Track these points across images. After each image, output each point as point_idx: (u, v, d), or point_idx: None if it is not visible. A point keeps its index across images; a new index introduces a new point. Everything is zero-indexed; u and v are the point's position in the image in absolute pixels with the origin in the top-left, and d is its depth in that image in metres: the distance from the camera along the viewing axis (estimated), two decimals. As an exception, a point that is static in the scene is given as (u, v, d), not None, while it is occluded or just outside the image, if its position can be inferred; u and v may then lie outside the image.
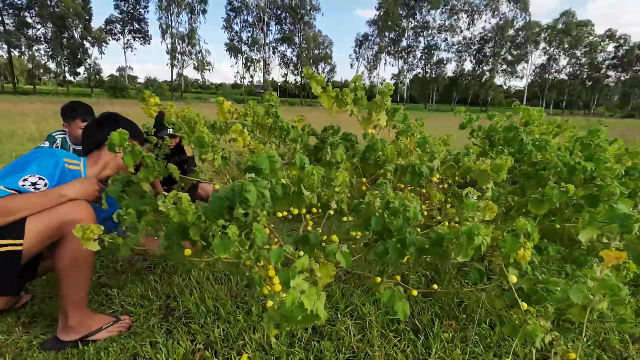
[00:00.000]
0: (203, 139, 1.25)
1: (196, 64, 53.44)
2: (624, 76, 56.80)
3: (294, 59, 58.13)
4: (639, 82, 55.92)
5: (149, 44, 52.32)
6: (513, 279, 1.17)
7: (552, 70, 57.60)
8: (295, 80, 62.54)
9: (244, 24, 55.86)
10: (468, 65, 59.63)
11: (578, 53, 55.43)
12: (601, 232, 1.27)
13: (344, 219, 1.67)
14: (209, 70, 55.80)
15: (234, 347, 1.39)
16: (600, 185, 1.61)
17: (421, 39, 57.87)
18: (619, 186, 1.43)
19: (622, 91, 58.97)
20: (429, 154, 1.64)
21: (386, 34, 57.33)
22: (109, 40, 49.70)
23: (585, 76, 57.29)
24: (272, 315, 0.93)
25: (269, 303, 1.17)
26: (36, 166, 1.34)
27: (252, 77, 61.63)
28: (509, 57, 56.10)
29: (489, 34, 55.30)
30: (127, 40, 51.08)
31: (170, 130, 2.46)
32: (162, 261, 2.07)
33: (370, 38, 59.38)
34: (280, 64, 60.12)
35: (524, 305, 1.15)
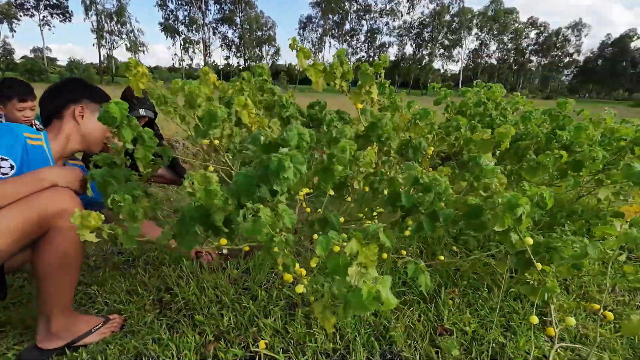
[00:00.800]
0: (215, 113, 1.11)
1: (128, 45, 49.14)
2: (543, 61, 62.60)
3: (236, 40, 55.87)
4: (556, 66, 62.03)
5: (69, 21, 46.97)
6: (529, 241, 1.22)
7: (484, 55, 61.70)
8: (238, 63, 60.30)
9: (180, 2, 52.30)
10: (409, 50, 61.73)
11: (505, 39, 59.85)
12: (617, 190, 1.36)
13: (348, 199, 1.63)
14: (143, 51, 51.78)
15: (248, 334, 1.31)
16: (579, 151, 1.73)
17: (364, 22, 58.59)
18: (601, 150, 1.54)
19: (542, 75, 65.07)
20: (429, 126, 1.65)
21: (330, 16, 57.14)
22: (21, 16, 43.81)
23: (512, 61, 62.20)
24: (326, 305, 0.87)
25: (299, 288, 1.11)
26: None
27: (191, 59, 58.36)
28: (446, 42, 59.00)
29: (427, 19, 57.52)
30: (44, 17, 45.42)
31: (142, 111, 2.20)
32: (143, 253, 1.88)
33: (314, 20, 58.82)
34: (221, 46, 57.51)
35: (539, 266, 1.21)
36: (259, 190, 0.92)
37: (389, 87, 2.11)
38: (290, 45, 1.90)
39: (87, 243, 1.02)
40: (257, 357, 1.21)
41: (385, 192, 1.26)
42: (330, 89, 1.76)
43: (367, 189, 1.37)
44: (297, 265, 1.14)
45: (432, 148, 1.85)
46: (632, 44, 59.23)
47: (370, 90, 1.86)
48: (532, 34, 60.33)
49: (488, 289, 1.69)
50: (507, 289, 1.71)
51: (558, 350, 1.25)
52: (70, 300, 1.25)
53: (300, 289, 1.12)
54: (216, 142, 1.35)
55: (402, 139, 1.72)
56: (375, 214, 1.42)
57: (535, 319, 1.14)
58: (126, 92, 2.18)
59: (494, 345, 1.33)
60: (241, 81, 1.55)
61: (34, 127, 2.53)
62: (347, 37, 59.54)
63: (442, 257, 1.55)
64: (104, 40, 48.22)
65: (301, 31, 59.85)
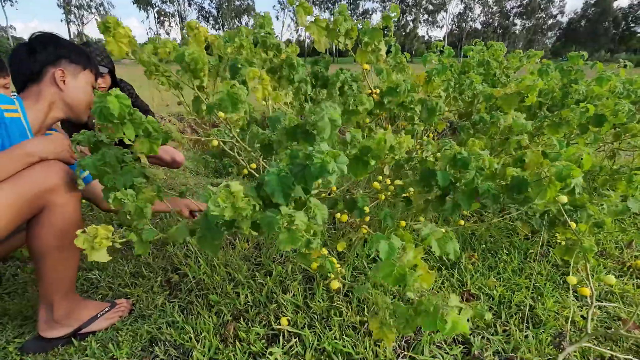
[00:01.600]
0: (237, 96, 0.95)
1: (99, 20, 46.58)
2: (528, 23, 61.99)
3: (214, 11, 53.42)
4: (540, 28, 61.57)
5: (33, -5, 43.97)
6: (563, 199, 1.15)
7: (468, 19, 60.68)
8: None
9: (150, -29, 49.44)
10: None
11: (490, 1, 58.78)
12: None
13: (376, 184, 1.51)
14: (116, 26, 49.16)
15: (268, 311, 1.23)
16: (597, 104, 1.65)
17: (346, -12, 56.54)
18: (627, 103, 1.46)
19: (527, 38, 64.62)
20: (445, 83, 1.53)
21: (310, -18, 54.96)
22: (-22, -9, 40.86)
23: (496, 24, 61.42)
24: (384, 322, 0.78)
25: (335, 285, 1.03)
26: None
27: (167, 33, 55.84)
28: (430, 7, 57.65)
29: (411, -17, 55.85)
30: (4, -10, 42.45)
31: (104, 70, 1.99)
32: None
33: (293, -13, 56.51)
34: (198, 18, 54.98)
35: (573, 225, 1.15)
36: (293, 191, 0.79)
37: (395, 45, 1.96)
38: (289, 0, 1.73)
39: (85, 222, 0.90)
40: (281, 335, 1.14)
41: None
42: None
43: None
44: (335, 263, 1.05)
45: (448, 108, 1.74)
46: (614, 4, 59.00)
47: (379, 47, 1.72)
48: (517, -4, 59.41)
49: (507, 252, 1.65)
50: (527, 250, 1.67)
51: (594, 310, 1.21)
52: (72, 283, 1.15)
53: (335, 285, 1.04)
54: (221, 114, 1.21)
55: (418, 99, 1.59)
56: (406, 194, 1.30)
57: (573, 280, 1.09)
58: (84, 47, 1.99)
59: (522, 307, 1.29)
60: (240, 37, 1.37)
61: None
62: (329, 5, 57.53)
63: (462, 222, 1.48)
64: (73, 15, 45.50)
65: (281, -1, 57.56)
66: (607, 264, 1.59)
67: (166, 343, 1.12)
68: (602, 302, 1.35)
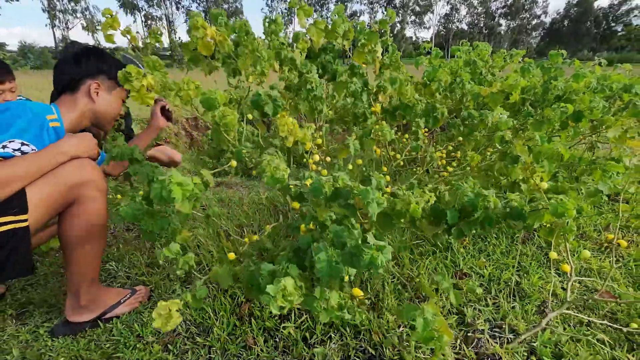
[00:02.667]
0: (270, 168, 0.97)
1: (85, 24, 46.01)
2: (512, 24, 63.13)
3: (202, 14, 53.17)
4: (525, 29, 62.75)
5: (17, 0, 43.22)
6: (544, 185, 1.27)
7: (455, 20, 61.54)
8: (205, 39, 57.61)
9: (137, -25, 49.07)
10: (380, 17, 60.67)
11: (475, 2, 59.72)
12: (624, 130, 1.43)
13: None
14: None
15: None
16: (574, 99, 1.79)
17: (333, -10, 56.94)
18: (601, 100, 1.61)
19: (512, 38, 65.79)
20: (436, 83, 1.65)
21: (298, -15, 55.15)
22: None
23: (482, 25, 62.40)
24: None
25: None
26: (17, 128, 1.04)
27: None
28: (417, 8, 58.33)
29: (397, -15, 56.47)
30: (-14, -4, 41.68)
31: None
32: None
33: (281, -10, 56.67)
34: (186, 22, 54.78)
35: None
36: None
37: (391, 45, 2.08)
38: (290, 3, 1.83)
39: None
40: (293, 312, 1.24)
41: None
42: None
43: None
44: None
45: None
46: (595, 4, 60.47)
47: (375, 49, 1.84)
48: (501, -3, 60.55)
49: (496, 236, 1.78)
50: (513, 234, 1.80)
51: (573, 282, 1.34)
52: (97, 272, 1.24)
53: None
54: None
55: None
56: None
57: (554, 254, 1.22)
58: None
59: (510, 283, 1.42)
60: (260, 60, 1.38)
61: None
62: (317, 7, 57.87)
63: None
64: (58, 20, 44.91)
65: (269, 1, 57.65)
66: (586, 245, 1.74)
67: (187, 322, 1.22)
68: (581, 277, 1.49)
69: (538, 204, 1.06)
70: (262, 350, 1.10)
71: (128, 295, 1.31)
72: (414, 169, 2.04)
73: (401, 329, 1.17)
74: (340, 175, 0.93)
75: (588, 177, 1.58)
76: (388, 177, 1.67)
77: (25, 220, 0.97)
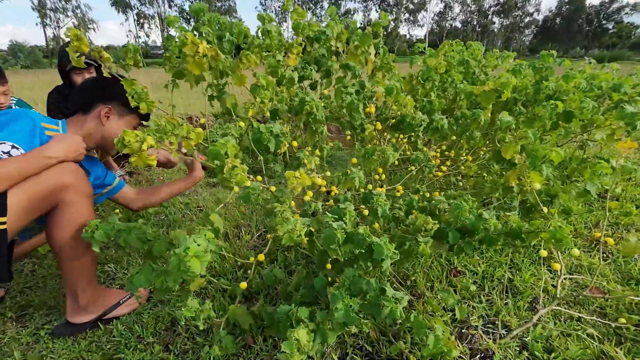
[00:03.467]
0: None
1: (76, 23, 45.49)
2: (505, 21, 63.50)
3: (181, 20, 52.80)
4: (517, 26, 63.15)
5: (7, -2, 42.54)
6: (537, 185, 1.30)
7: (448, 18, 61.75)
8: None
9: (128, -27, 48.59)
10: (374, 16, 60.70)
11: (469, 0, 59.97)
12: (612, 131, 1.47)
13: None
14: (94, 29, 48.16)
15: (278, 292, 1.36)
16: (565, 99, 1.83)
17: (327, -12, 56.87)
18: (591, 101, 1.64)
19: (505, 36, 66.17)
20: (430, 82, 1.68)
21: (291, -17, 54.95)
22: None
23: (475, 22, 62.68)
24: None
25: None
26: (8, 132, 1.05)
27: (147, 36, 54.99)
28: (411, 6, 58.43)
29: (391, -17, 56.51)
30: (-25, -6, 41.01)
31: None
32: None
33: (275, -12, 56.47)
34: (179, 20, 54.32)
35: (545, 209, 1.31)
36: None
37: (382, 47, 2.11)
38: (283, 5, 1.85)
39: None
40: (291, 311, 1.26)
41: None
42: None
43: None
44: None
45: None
46: (587, 2, 61.02)
47: (369, 51, 1.86)
48: (494, -5, 60.88)
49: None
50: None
51: (563, 280, 1.38)
52: (93, 274, 1.24)
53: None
54: None
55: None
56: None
57: (544, 253, 1.25)
58: (62, 46, 2.11)
59: (503, 280, 1.45)
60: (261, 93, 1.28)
61: None
62: (311, 5, 57.74)
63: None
64: (48, 18, 44.36)
65: (263, 0, 57.41)
66: (577, 242, 1.78)
67: (186, 322, 1.24)
68: (572, 274, 1.53)
69: (534, 223, 1.09)
70: (261, 349, 1.12)
71: (128, 296, 1.32)
72: (409, 168, 2.06)
73: (397, 326, 1.20)
74: (349, 210, 0.96)
75: (578, 177, 1.62)
76: (384, 176, 1.70)
77: (4, 223, 0.98)
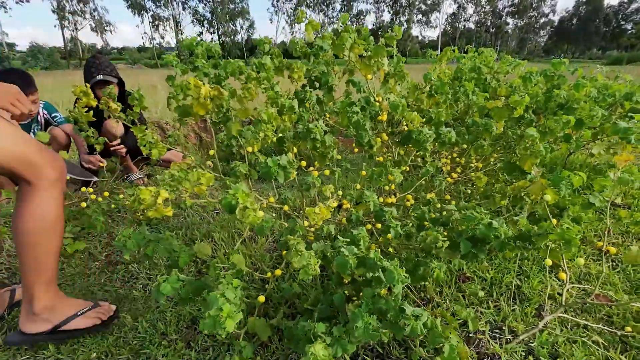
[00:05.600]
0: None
1: (94, 25, 46.51)
2: (520, 22, 62.61)
3: (208, 15, 53.55)
4: (532, 27, 62.21)
5: (27, 1, 43.78)
6: (547, 197, 1.33)
7: (462, 19, 61.17)
8: (212, 39, 58.04)
9: (144, -24, 49.46)
10: (387, 17, 60.55)
11: (482, 1, 59.30)
12: (608, 145, 1.50)
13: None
14: (111, 31, 49.16)
15: (291, 295, 1.42)
16: (576, 108, 1.86)
17: (339, -10, 56.95)
18: (601, 109, 1.67)
19: (519, 37, 65.25)
20: (443, 96, 1.73)
21: (304, -15, 55.25)
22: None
23: (489, 23, 61.95)
24: None
25: None
26: None
27: (162, 37, 55.85)
28: (423, 7, 58.08)
29: (404, -16, 56.29)
30: (-3, -3, 42.29)
31: (100, 77, 2.21)
32: (172, 232, 1.95)
33: (287, -10, 56.82)
34: (193, 22, 55.09)
35: (554, 221, 1.34)
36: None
37: (396, 55, 2.15)
38: (297, 17, 1.92)
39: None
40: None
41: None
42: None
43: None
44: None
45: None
46: (605, 2, 59.77)
47: (382, 62, 1.92)
48: (508, -5, 60.14)
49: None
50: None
51: (569, 289, 1.41)
52: (53, 274, 1.17)
53: None
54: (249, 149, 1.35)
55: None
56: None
57: (549, 262, 1.29)
58: (87, 62, 2.22)
59: (511, 287, 1.49)
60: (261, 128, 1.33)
61: (41, 118, 2.50)
62: (323, 7, 57.87)
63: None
64: (67, 21, 45.47)
65: (275, 2, 57.81)
66: (586, 250, 1.80)
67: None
68: (580, 282, 1.56)
69: (543, 226, 1.14)
70: (277, 348, 1.19)
71: (87, 308, 1.25)
72: (419, 176, 2.11)
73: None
74: (362, 236, 1.04)
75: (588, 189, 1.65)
76: (393, 186, 1.74)
77: None
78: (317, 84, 1.86)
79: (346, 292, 1.16)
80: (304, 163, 1.55)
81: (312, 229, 1.35)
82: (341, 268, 0.99)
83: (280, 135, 1.47)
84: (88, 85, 1.66)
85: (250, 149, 1.36)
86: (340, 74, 2.02)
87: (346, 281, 1.18)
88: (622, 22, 61.13)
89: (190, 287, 1.04)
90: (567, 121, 1.58)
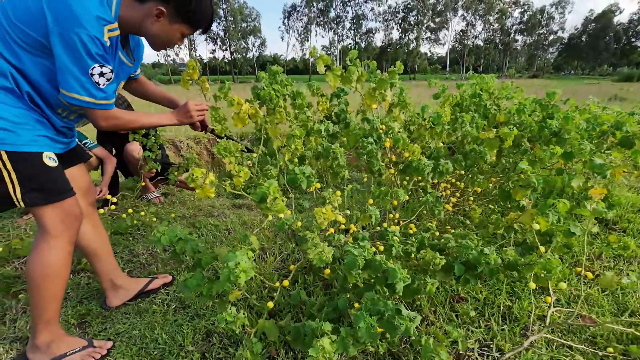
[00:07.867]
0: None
1: (111, 43, 48.01)
2: (529, 39, 62.91)
3: (221, 33, 55.06)
4: (541, 44, 62.42)
5: None
6: (536, 226, 1.45)
7: (470, 36, 61.74)
8: (224, 56, 59.54)
9: (160, -4, 51.17)
10: (395, 35, 61.44)
11: (491, 19, 59.89)
12: (585, 178, 1.61)
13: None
14: (127, 48, 50.70)
15: (298, 311, 1.54)
16: (567, 138, 1.98)
17: (349, 8, 58.14)
18: (589, 144, 1.79)
19: (528, 54, 65.44)
20: (440, 126, 1.87)
21: (314, 4, 56.54)
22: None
23: (497, 41, 62.38)
24: None
25: None
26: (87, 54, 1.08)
27: (176, 54, 57.45)
28: (432, 25, 58.87)
29: (412, 2, 57.23)
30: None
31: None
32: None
33: (298, 9, 58.21)
34: (206, 39, 56.67)
35: (542, 249, 1.45)
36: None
37: (400, 87, 2.31)
38: (310, 53, 2.10)
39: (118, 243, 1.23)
40: (309, 329, 1.45)
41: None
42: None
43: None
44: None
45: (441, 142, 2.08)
46: (615, 19, 59.84)
47: (385, 94, 2.08)
48: (516, 13, 60.64)
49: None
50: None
51: (554, 311, 1.51)
52: (53, 315, 1.28)
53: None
54: None
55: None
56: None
57: (533, 285, 1.39)
58: None
59: (502, 307, 1.59)
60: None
61: None
62: (333, 25, 59.11)
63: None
64: (86, 38, 47.18)
65: (286, 20, 59.21)
66: (579, 271, 1.89)
67: (220, 335, 1.44)
68: (569, 304, 1.65)
69: (529, 257, 1.27)
70: (283, 360, 1.31)
71: (78, 349, 1.33)
72: (420, 199, 2.24)
73: (402, 346, 1.36)
74: (367, 247, 1.17)
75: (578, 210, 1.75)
76: (397, 215, 1.88)
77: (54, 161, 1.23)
78: (335, 119, 2.06)
79: (348, 296, 1.29)
80: (318, 185, 1.70)
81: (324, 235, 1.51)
82: (351, 266, 1.13)
83: (301, 153, 1.67)
84: None
85: (287, 157, 1.58)
86: (355, 114, 2.19)
87: (350, 285, 1.31)
88: (633, 39, 61.01)
89: (211, 285, 1.18)
90: (554, 152, 1.71)
